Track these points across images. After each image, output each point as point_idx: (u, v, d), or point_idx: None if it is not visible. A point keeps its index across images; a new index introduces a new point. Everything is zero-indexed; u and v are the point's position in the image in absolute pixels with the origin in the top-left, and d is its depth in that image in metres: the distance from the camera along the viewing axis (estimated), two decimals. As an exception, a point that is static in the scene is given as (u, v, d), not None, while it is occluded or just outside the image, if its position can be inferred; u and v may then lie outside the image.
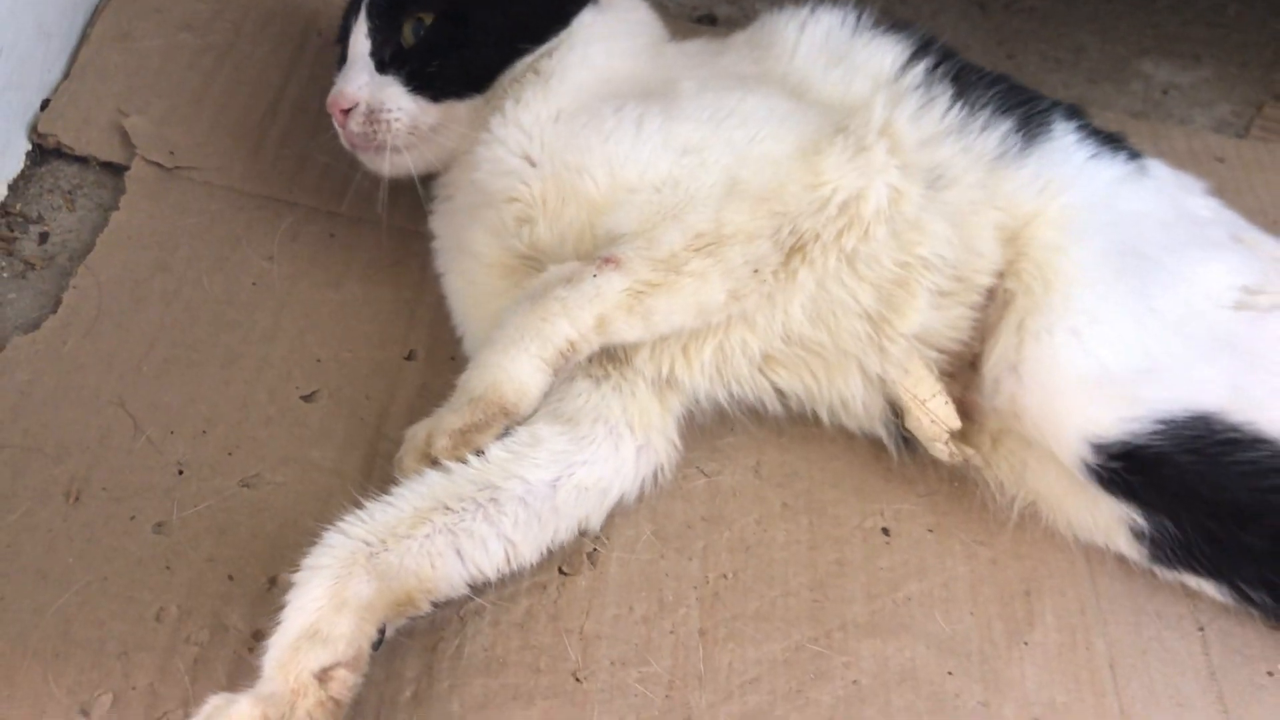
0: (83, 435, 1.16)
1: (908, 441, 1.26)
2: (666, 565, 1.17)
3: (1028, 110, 1.27)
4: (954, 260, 1.20)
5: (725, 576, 1.17)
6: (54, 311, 1.25)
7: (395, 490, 1.08)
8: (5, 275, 1.29)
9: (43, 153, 1.41)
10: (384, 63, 1.26)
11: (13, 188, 1.37)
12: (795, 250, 1.18)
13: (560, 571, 1.14)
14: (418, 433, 1.14)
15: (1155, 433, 1.10)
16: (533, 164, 1.20)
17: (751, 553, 1.19)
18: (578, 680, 1.07)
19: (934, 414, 1.20)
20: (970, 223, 1.21)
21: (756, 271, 1.17)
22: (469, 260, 1.26)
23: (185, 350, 1.25)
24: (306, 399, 1.24)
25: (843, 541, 1.22)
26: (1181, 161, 1.71)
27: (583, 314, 1.12)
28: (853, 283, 1.19)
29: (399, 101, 1.25)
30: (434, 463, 1.11)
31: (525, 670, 1.07)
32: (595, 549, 1.17)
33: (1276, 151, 1.79)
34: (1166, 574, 1.20)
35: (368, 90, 1.25)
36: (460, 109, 1.29)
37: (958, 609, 1.18)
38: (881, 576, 1.20)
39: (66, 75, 1.47)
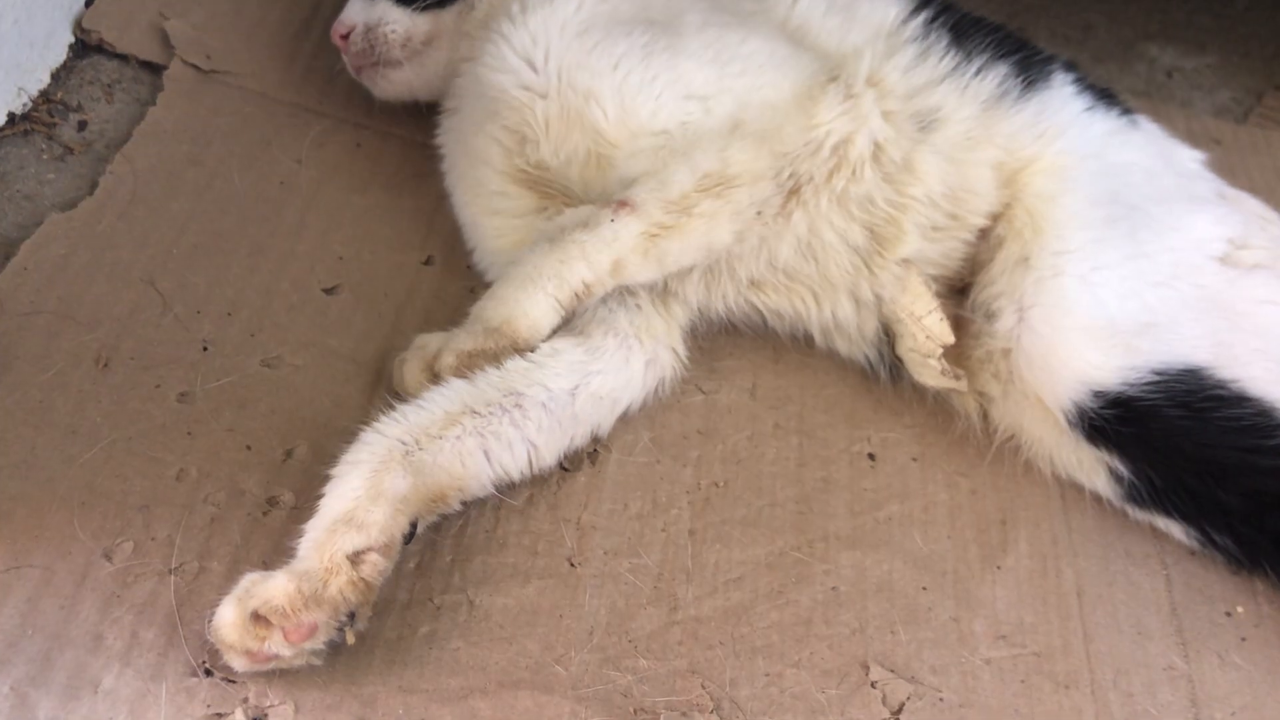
0: (114, 307, 1.21)
1: (896, 370, 1.32)
2: (662, 470, 1.23)
3: (1027, 57, 1.32)
4: (949, 196, 1.26)
5: (716, 484, 1.23)
6: (90, 194, 1.30)
7: (427, 394, 1.12)
8: (45, 157, 1.34)
9: (85, 47, 1.46)
10: None
11: (55, 76, 1.42)
12: (792, 192, 1.23)
13: (561, 467, 1.20)
14: (429, 343, 1.19)
15: (1149, 384, 1.15)
16: (535, 70, 1.24)
17: (742, 465, 1.25)
18: (572, 565, 1.13)
19: (929, 329, 1.26)
20: (967, 160, 1.26)
21: (760, 213, 1.23)
22: (477, 167, 1.31)
23: (214, 238, 1.30)
24: (328, 291, 1.29)
25: (829, 462, 1.28)
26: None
27: (600, 257, 1.17)
28: (843, 223, 1.25)
29: (389, 14, 1.36)
30: (434, 376, 1.16)
31: (523, 552, 1.13)
32: (595, 449, 1.22)
33: (1273, 139, 1.85)
34: (1138, 514, 1.26)
35: (362, 13, 1.37)
36: (446, 17, 1.37)
37: (936, 531, 1.24)
38: (865, 496, 1.25)
39: (112, -25, 1.51)
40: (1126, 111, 1.38)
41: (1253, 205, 1.39)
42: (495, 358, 1.16)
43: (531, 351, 1.17)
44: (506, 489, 1.15)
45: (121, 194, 1.31)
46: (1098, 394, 1.16)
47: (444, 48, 1.38)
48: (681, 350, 1.29)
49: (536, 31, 1.26)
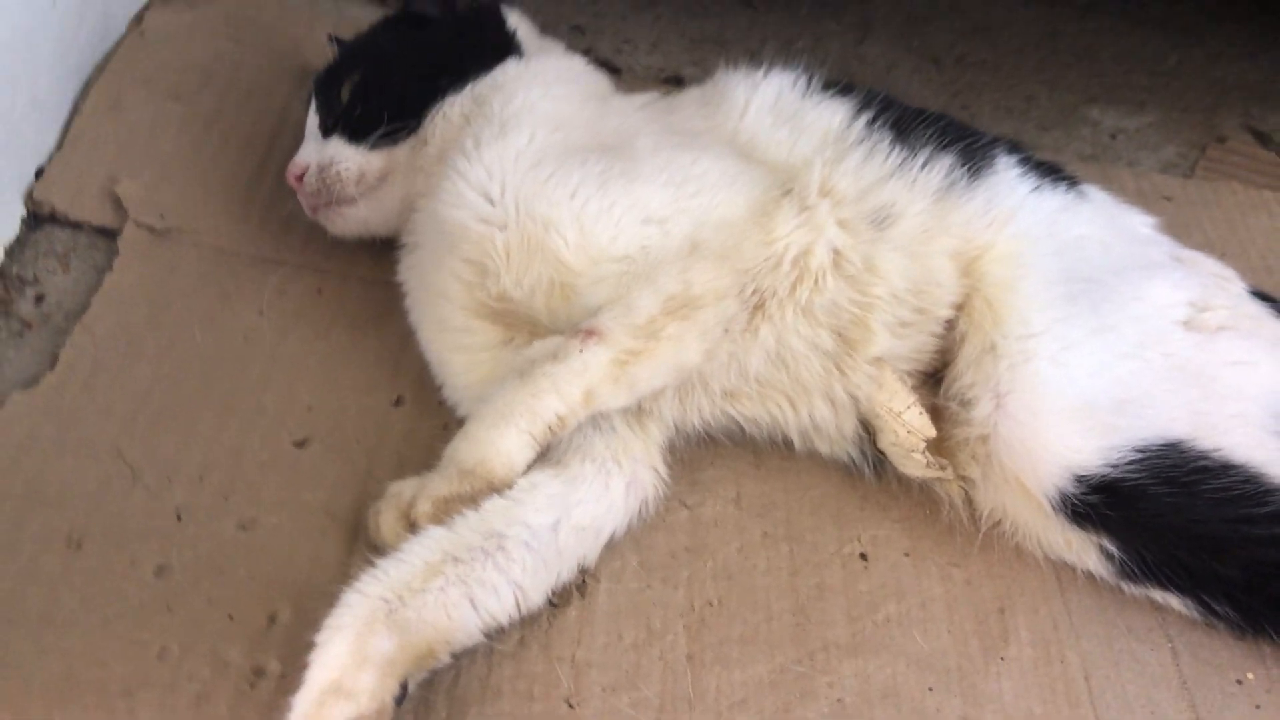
0: (83, 484, 1.19)
1: (880, 464, 1.31)
2: (653, 594, 1.21)
3: (969, 145, 1.34)
4: (913, 291, 1.26)
5: (710, 604, 1.21)
6: (51, 368, 1.29)
7: (405, 546, 1.10)
8: (3, 335, 1.33)
9: (37, 219, 1.45)
10: (328, 128, 1.39)
11: (9, 252, 1.41)
12: (756, 308, 1.24)
13: (550, 603, 1.18)
14: (403, 491, 1.17)
15: (1132, 462, 1.14)
16: (492, 203, 1.25)
17: (734, 580, 1.23)
18: (570, 707, 1.10)
19: (909, 424, 1.25)
20: (926, 252, 1.27)
21: (727, 331, 1.23)
22: (440, 304, 1.31)
23: (180, 401, 1.29)
24: (299, 445, 1.27)
25: (822, 567, 1.26)
26: (1131, 201, 1.77)
27: (571, 388, 1.17)
28: (810, 330, 1.25)
29: (341, 153, 1.36)
30: (411, 525, 1.14)
31: (519, 698, 1.10)
32: (583, 580, 1.20)
33: (1221, 190, 1.88)
34: (1133, 589, 1.25)
35: (315, 154, 1.38)
36: (399, 153, 1.38)
37: (935, 628, 1.22)
38: (861, 599, 1.24)
39: (60, 145, 1.52)
40: (1073, 184, 1.40)
41: (1209, 265, 1.40)
42: (472, 500, 1.14)
43: (509, 489, 1.16)
44: (496, 634, 1.13)
45: (83, 365, 1.29)
46: (1080, 478, 1.16)
47: (398, 183, 1.39)
48: (662, 468, 1.28)
49: (491, 165, 1.26)
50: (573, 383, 1.16)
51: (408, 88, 1.39)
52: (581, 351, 1.17)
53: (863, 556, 1.28)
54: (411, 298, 1.36)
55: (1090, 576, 1.26)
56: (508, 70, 1.40)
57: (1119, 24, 2.20)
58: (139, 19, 1.71)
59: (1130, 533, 1.18)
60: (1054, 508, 1.18)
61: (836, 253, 1.26)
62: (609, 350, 1.17)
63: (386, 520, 1.15)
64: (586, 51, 1.89)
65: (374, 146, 1.37)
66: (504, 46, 1.43)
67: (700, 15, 2.04)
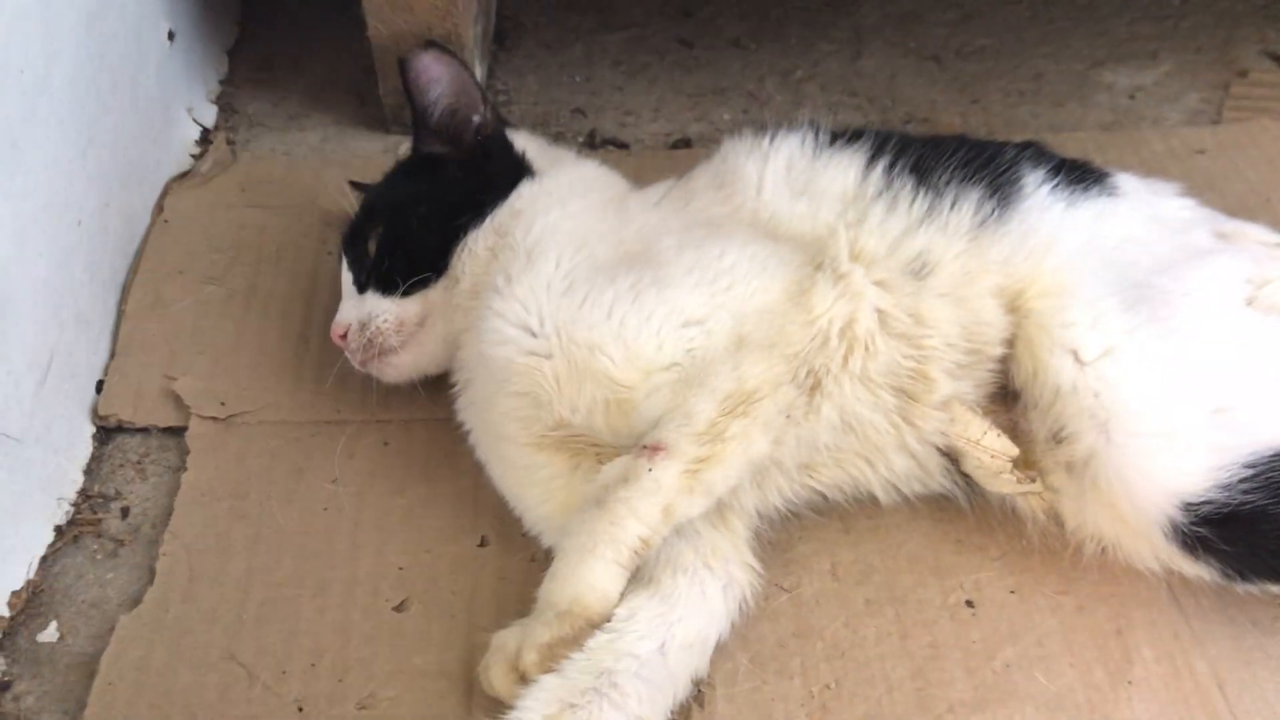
0: (204, 695, 1.23)
1: (970, 491, 1.31)
2: (769, 690, 1.21)
3: (993, 171, 1.31)
4: (964, 334, 1.26)
5: (828, 687, 1.21)
6: (150, 583, 1.33)
7: (519, 702, 1.12)
8: (99, 557, 1.37)
9: (106, 432, 1.50)
10: (362, 284, 1.42)
11: (87, 471, 1.45)
12: (814, 388, 1.24)
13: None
14: (506, 642, 1.18)
15: (1244, 480, 1.11)
16: (533, 334, 1.26)
17: (847, 657, 1.23)
18: (713, 823, 1.11)
19: (991, 449, 1.25)
20: (970, 294, 1.26)
21: (790, 417, 1.23)
22: (502, 444, 1.33)
23: (278, 590, 1.32)
24: (398, 609, 1.30)
25: (931, 624, 1.26)
26: (1162, 163, 1.77)
27: (648, 509, 1.17)
28: (870, 396, 1.25)
29: (378, 306, 1.39)
30: (521, 677, 1.15)
31: (662, 824, 1.12)
32: (699, 690, 1.21)
33: (1253, 129, 1.84)
34: (1245, 587, 1.22)
35: (354, 311, 1.41)
36: (434, 295, 1.40)
37: (1056, 664, 1.22)
38: (975, 649, 1.23)
39: (113, 353, 1.56)
40: (1102, 180, 1.36)
41: (1255, 234, 1.37)
42: (575, 641, 1.15)
43: (607, 622, 1.17)
44: None
45: (179, 574, 1.33)
46: (1189, 506, 1.13)
47: (439, 324, 1.41)
48: (753, 561, 1.28)
49: (525, 298, 1.28)
50: (648, 503, 1.17)
51: (429, 234, 1.41)
52: (651, 470, 1.17)
53: (969, 604, 1.28)
54: (474, 435, 1.39)
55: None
56: (522, 194, 1.41)
57: (1112, -25, 2.16)
58: (160, 208, 1.76)
59: (1250, 560, 1.15)
60: (1165, 540, 1.16)
61: (882, 313, 1.25)
62: (678, 463, 1.18)
63: (497, 675, 1.17)
64: (591, 133, 1.92)
65: (407, 294, 1.39)
66: (516, 171, 1.44)
67: (694, 69, 2.03)
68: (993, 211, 1.28)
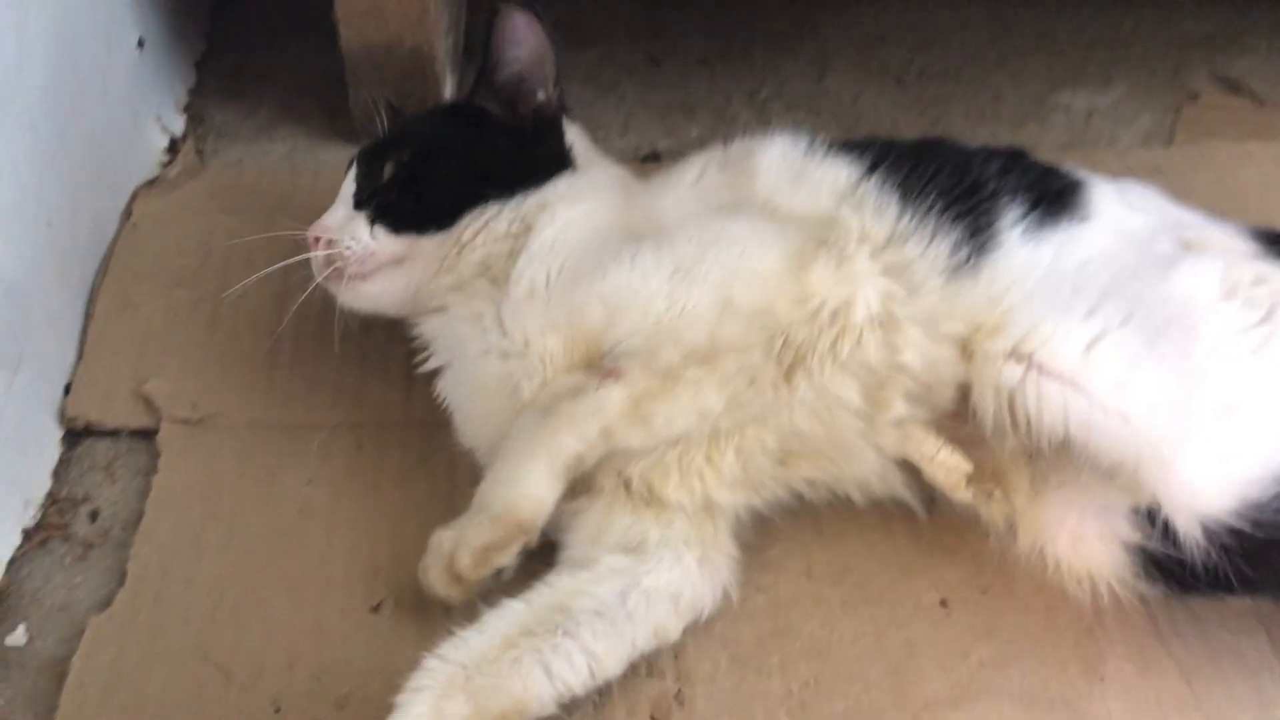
0: (178, 696, 1.21)
1: (931, 499, 1.32)
2: (749, 688, 1.22)
3: (974, 207, 1.28)
4: (922, 370, 1.24)
5: (807, 684, 1.22)
6: (121, 585, 1.31)
7: (484, 618, 1.17)
8: (68, 561, 1.35)
9: (74, 435, 1.48)
10: (360, 201, 1.40)
11: (54, 475, 1.43)
12: (795, 364, 1.24)
13: (653, 718, 1.19)
14: (442, 543, 1.23)
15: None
16: (540, 333, 1.28)
17: (824, 656, 1.25)
18: (695, 818, 1.12)
19: (945, 464, 1.27)
20: (937, 332, 1.24)
21: (753, 381, 1.24)
22: (477, 393, 1.33)
23: (252, 590, 1.31)
24: (375, 610, 1.29)
25: (906, 623, 1.27)
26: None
27: (587, 426, 1.20)
28: (843, 384, 1.25)
29: (360, 231, 1.36)
30: (458, 578, 1.20)
31: (644, 821, 1.12)
32: (680, 689, 1.21)
33: (1205, 150, 1.89)
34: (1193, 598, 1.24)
35: (339, 224, 1.38)
36: (425, 244, 1.38)
37: (1029, 661, 1.23)
38: (950, 647, 1.25)
39: (80, 356, 1.54)
40: (1075, 193, 1.34)
41: (1216, 237, 1.39)
42: (507, 546, 1.20)
43: (536, 533, 1.21)
44: (570, 704, 1.16)
45: (151, 576, 1.31)
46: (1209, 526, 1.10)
47: (416, 272, 1.38)
48: (734, 550, 1.30)
49: (536, 290, 1.30)
50: (590, 421, 1.19)
51: (449, 187, 1.38)
52: (598, 390, 1.20)
53: (943, 603, 1.30)
54: (439, 357, 1.38)
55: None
56: (558, 188, 1.39)
57: (1067, 3, 2.21)
58: (128, 212, 1.74)
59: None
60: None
61: (885, 297, 1.24)
62: (625, 389, 1.20)
63: (435, 576, 1.22)
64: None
65: (399, 232, 1.37)
66: (559, 160, 1.43)
67: (661, 87, 2.06)
68: (967, 259, 1.25)
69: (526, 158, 1.41)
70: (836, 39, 2.16)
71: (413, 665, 1.21)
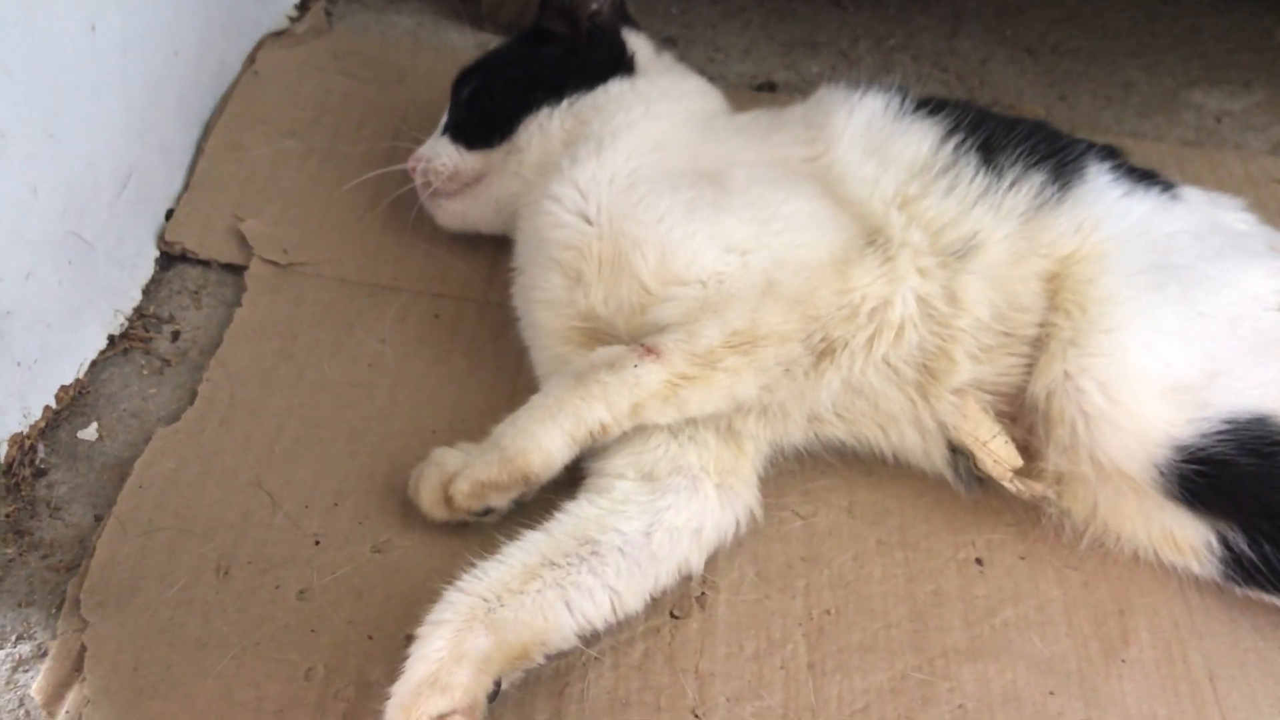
0: (227, 514, 1.26)
1: (979, 481, 1.31)
2: (771, 604, 1.24)
3: (1060, 159, 1.32)
4: (997, 317, 1.26)
5: (828, 612, 1.23)
6: (191, 403, 1.36)
7: (505, 549, 1.17)
8: (145, 373, 1.41)
9: (169, 259, 1.54)
10: (446, 126, 1.50)
11: (145, 292, 1.49)
12: (824, 354, 1.25)
13: (671, 615, 1.22)
14: (446, 461, 1.24)
15: (1221, 434, 1.16)
16: (589, 222, 1.30)
17: (851, 588, 1.26)
18: (697, 717, 1.14)
19: (995, 454, 1.26)
20: (1012, 276, 1.26)
21: (788, 371, 1.25)
22: (539, 333, 1.35)
23: (312, 430, 1.35)
24: (425, 468, 1.33)
25: (937, 573, 1.28)
26: (1240, 187, 1.76)
27: (620, 400, 1.20)
28: (887, 371, 1.27)
29: (443, 150, 1.47)
30: (448, 499, 1.21)
31: (647, 709, 1.14)
32: (704, 592, 1.24)
33: (1335, 170, 1.83)
34: (1245, 591, 1.24)
35: (430, 148, 1.49)
36: (495, 157, 1.46)
37: (1054, 631, 1.23)
38: (978, 604, 1.25)
39: (186, 186, 1.60)
40: (1169, 188, 1.37)
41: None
42: (507, 489, 1.20)
43: (536, 488, 1.22)
44: (591, 637, 1.17)
45: (220, 399, 1.37)
46: (1178, 448, 1.17)
47: (494, 185, 1.48)
48: (754, 479, 1.30)
49: (587, 185, 1.32)
50: (623, 395, 1.20)
51: (505, 99, 1.46)
52: (637, 367, 1.20)
53: (978, 561, 1.30)
54: (523, 322, 1.41)
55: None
56: (610, 90, 1.44)
57: (1219, 2, 2.15)
58: (252, 59, 1.79)
59: (1220, 504, 1.18)
60: (1151, 483, 1.18)
61: (920, 299, 1.26)
62: (664, 370, 1.20)
63: (426, 488, 1.23)
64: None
65: (472, 148, 1.46)
66: (611, 66, 1.47)
67: (790, 19, 2.05)
68: (1051, 195, 1.29)
69: (578, 64, 1.47)
70: (973, 1, 2.13)
71: (454, 528, 1.26)
